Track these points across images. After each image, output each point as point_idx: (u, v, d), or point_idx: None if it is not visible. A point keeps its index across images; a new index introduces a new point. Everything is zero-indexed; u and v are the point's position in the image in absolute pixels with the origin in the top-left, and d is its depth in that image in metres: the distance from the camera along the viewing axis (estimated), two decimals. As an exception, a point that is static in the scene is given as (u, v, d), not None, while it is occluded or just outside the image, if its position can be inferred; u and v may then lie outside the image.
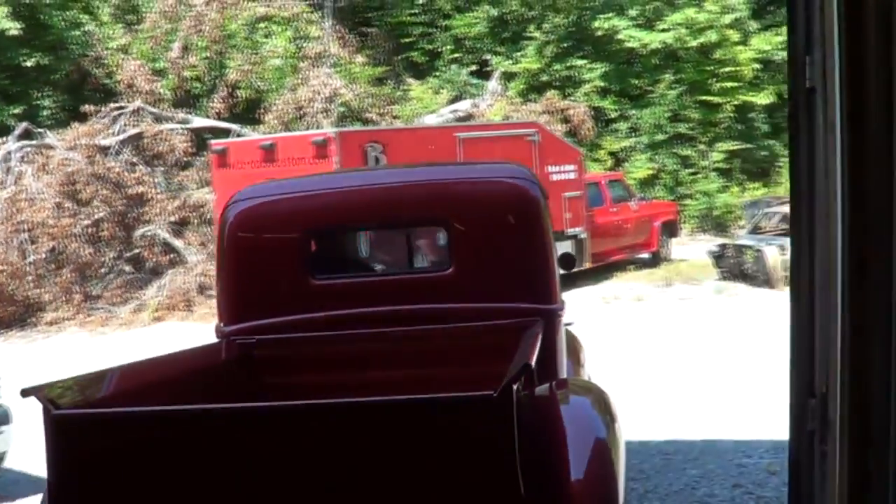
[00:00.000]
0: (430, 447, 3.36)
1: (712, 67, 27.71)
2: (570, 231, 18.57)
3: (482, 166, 6.74)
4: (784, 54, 23.45)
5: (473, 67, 27.33)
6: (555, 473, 3.55)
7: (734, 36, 27.76)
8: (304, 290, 5.12)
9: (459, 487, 3.34)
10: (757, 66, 28.18)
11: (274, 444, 3.35)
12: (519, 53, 27.30)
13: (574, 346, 5.93)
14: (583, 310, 15.74)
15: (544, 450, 3.54)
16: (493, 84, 26.85)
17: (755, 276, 17.47)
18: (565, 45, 27.09)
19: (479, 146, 17.13)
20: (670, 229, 22.06)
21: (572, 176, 18.79)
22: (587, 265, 19.12)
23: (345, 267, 5.73)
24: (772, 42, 28.43)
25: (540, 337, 4.36)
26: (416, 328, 5.01)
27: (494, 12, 27.58)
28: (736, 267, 18.05)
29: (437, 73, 26.88)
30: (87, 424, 3.48)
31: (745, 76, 27.93)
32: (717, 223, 26.78)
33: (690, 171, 26.98)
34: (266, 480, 3.36)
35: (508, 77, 27.14)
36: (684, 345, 12.74)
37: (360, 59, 24.28)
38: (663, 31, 26.86)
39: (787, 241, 17.63)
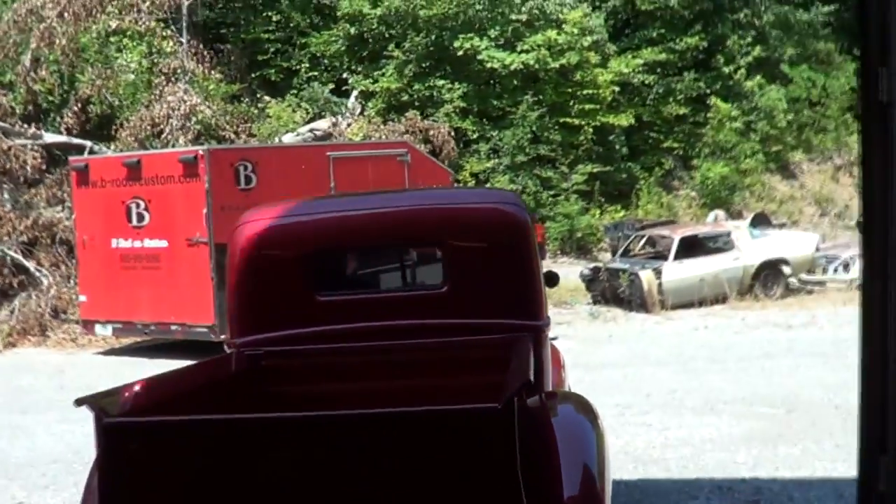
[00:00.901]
0: (435, 456, 3.83)
1: (572, 89, 28.95)
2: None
3: (474, 192, 7.89)
4: (643, 77, 25.09)
5: (331, 86, 27.82)
6: (548, 480, 4.12)
7: (593, 58, 28.99)
8: (309, 306, 5.72)
9: (463, 495, 3.82)
10: (616, 88, 29.44)
11: (293, 451, 3.92)
12: (378, 73, 28.03)
13: (557, 359, 6.61)
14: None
15: (537, 457, 4.03)
16: (353, 103, 27.43)
17: (630, 299, 18.35)
18: (425, 64, 27.98)
19: (350, 166, 17.69)
20: (538, 252, 22.88)
21: (442, 197, 19.42)
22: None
23: (347, 284, 6.39)
24: (630, 64, 29.86)
25: (532, 352, 4.94)
26: (413, 341, 5.60)
27: (353, 30, 28.17)
28: (609, 290, 18.97)
29: (295, 92, 27.28)
30: (133, 431, 4.01)
31: (605, 98, 29.18)
32: (578, 245, 27.84)
33: (551, 192, 28.01)
34: (286, 484, 3.91)
35: (367, 96, 27.76)
36: (585, 371, 13.23)
37: (215, 75, 24.47)
38: (523, 52, 27.89)
39: (661, 265, 18.69)
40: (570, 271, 25.52)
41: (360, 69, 28.40)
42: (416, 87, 27.69)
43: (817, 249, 20.23)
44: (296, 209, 6.28)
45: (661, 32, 31.49)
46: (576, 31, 28.61)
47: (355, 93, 27.78)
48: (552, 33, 28.10)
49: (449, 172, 20.88)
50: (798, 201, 32.43)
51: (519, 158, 27.87)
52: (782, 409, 9.92)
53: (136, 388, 4.60)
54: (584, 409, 4.75)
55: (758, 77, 32.26)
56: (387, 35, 28.30)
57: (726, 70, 32.12)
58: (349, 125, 26.72)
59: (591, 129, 28.96)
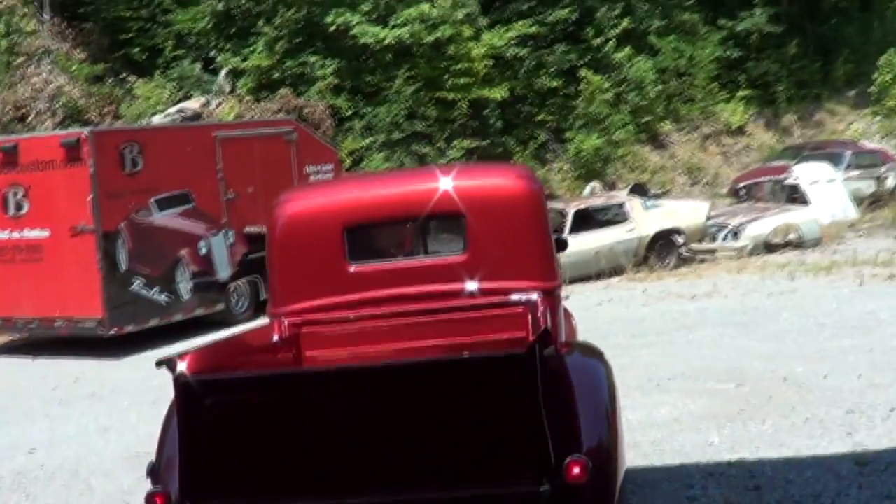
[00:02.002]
0: (470, 399, 4.56)
1: (446, 64, 28.83)
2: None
3: (490, 166, 8.70)
4: (516, 50, 25.21)
5: (199, 65, 27.07)
6: (567, 414, 4.82)
7: (467, 32, 28.88)
8: (342, 276, 6.44)
9: (494, 431, 4.53)
10: (489, 62, 29.38)
11: (348, 399, 4.67)
12: (248, 50, 27.40)
13: (568, 317, 7.32)
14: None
15: (557, 396, 4.72)
16: (222, 82, 26.75)
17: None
18: (297, 40, 27.58)
19: (237, 145, 17.36)
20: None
21: (330, 176, 19.25)
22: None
23: (376, 255, 6.98)
24: (503, 38, 29.83)
25: (546, 308, 5.77)
26: (438, 304, 6.33)
27: (220, 6, 27.47)
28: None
29: (165, 72, 26.47)
30: (206, 387, 4.77)
31: (479, 72, 29.12)
32: (458, 222, 27.76)
33: (429, 169, 27.79)
34: (336, 429, 4.66)
35: (237, 74, 27.13)
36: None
37: (79, 55, 23.55)
38: (397, 26, 27.61)
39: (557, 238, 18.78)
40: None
41: (228, 46, 27.75)
42: (288, 63, 27.27)
43: (707, 218, 20.54)
44: (329, 187, 7.58)
45: (532, 5, 31.65)
46: (448, 4, 28.44)
47: (224, 71, 27.15)
48: (425, 7, 27.89)
49: (335, 151, 20.62)
50: (669, 171, 33.09)
51: (395, 135, 27.68)
52: (731, 384, 10.03)
53: (200, 352, 5.43)
54: (594, 353, 5.54)
55: (627, 49, 32.66)
56: (255, 11, 27.80)
57: (596, 42, 32.47)
58: (220, 104, 26.07)
59: (466, 104, 28.89)
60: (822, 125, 36.18)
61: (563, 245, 7.40)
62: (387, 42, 27.70)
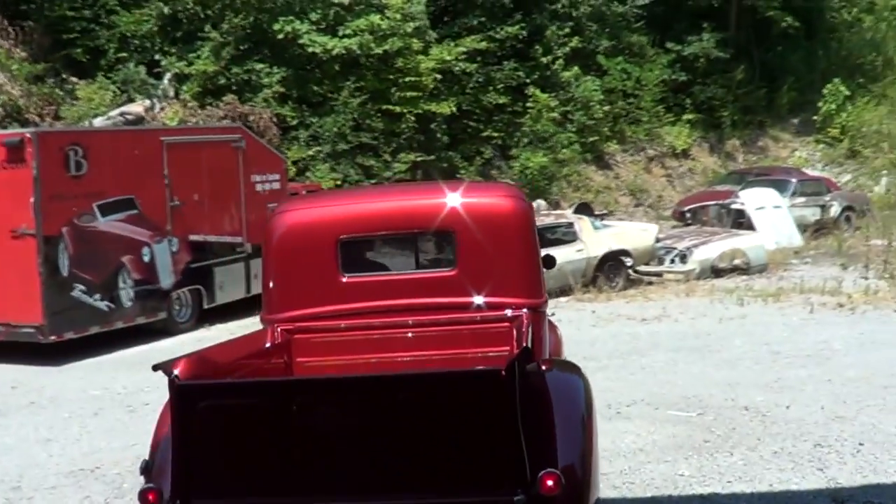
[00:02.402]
0: (450, 412, 4.74)
1: (394, 76, 28.66)
2: (275, 245, 18.47)
3: (480, 185, 9.25)
4: (464, 65, 24.99)
5: (143, 68, 26.58)
6: (545, 427, 4.96)
7: (416, 45, 28.75)
8: (335, 286, 6.66)
9: (472, 443, 4.71)
10: (437, 76, 29.27)
11: (333, 407, 4.90)
12: (193, 54, 27.01)
13: (555, 333, 7.51)
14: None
15: (535, 411, 4.89)
16: (166, 86, 26.32)
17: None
18: (244, 47, 27.28)
19: (184, 151, 17.06)
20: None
21: (277, 186, 18.99)
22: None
23: (369, 267, 7.19)
24: (452, 52, 29.73)
25: (530, 326, 5.88)
26: (426, 317, 6.55)
27: (166, 9, 27.07)
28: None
29: (108, 74, 25.97)
30: (200, 391, 5.03)
31: (426, 86, 28.98)
32: (402, 236, 27.56)
33: (373, 181, 27.58)
34: (321, 436, 4.87)
35: (182, 79, 26.70)
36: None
37: (20, 54, 23.00)
38: (346, 36, 27.40)
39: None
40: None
41: (173, 50, 27.32)
42: (234, 70, 26.95)
43: (657, 241, 20.53)
44: (325, 200, 7.89)
45: (482, 21, 31.64)
46: (398, 16, 28.29)
47: (169, 75, 26.70)
48: (375, 18, 27.71)
49: (283, 159, 20.35)
50: (613, 191, 33.21)
51: (340, 146, 27.43)
52: (692, 412, 9.92)
53: (195, 357, 5.61)
54: (573, 369, 5.69)
55: (575, 68, 32.75)
56: (202, 15, 27.40)
57: (544, 60, 32.53)
58: (163, 109, 25.64)
59: (412, 117, 28.72)
60: (766, 151, 36.60)
61: (550, 263, 7.54)
62: (335, 52, 27.47)
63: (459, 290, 6.57)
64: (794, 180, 27.41)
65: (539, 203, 28.81)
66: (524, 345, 5.33)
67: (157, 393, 12.07)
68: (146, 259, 16.44)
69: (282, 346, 6.64)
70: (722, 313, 16.19)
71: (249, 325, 17.83)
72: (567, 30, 33.17)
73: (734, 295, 17.81)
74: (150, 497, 4.97)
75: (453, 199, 6.75)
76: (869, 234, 25.20)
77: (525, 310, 6.45)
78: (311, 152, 27.05)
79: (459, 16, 31.94)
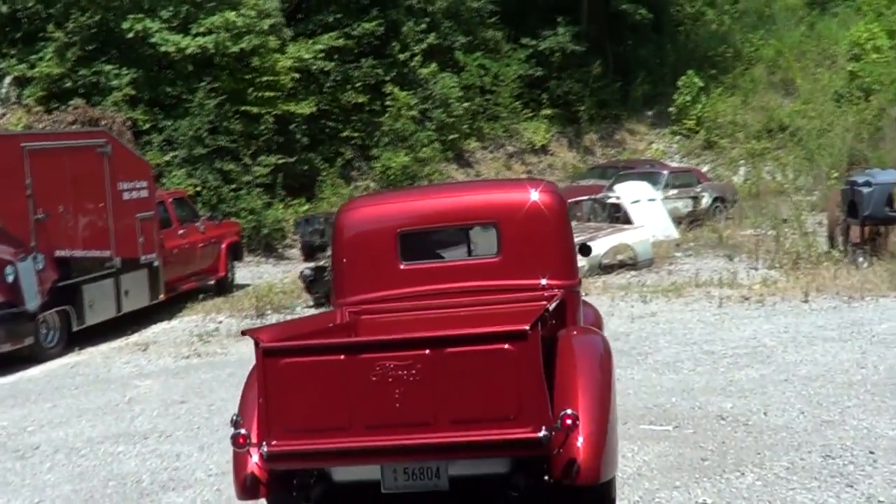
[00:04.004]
0: (486, 364, 5.66)
1: (250, 76, 27.44)
2: (145, 258, 17.17)
3: (520, 181, 10.06)
4: (322, 63, 23.99)
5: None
6: (569, 383, 5.98)
7: (272, 43, 27.54)
8: (396, 273, 7.48)
9: (504, 391, 5.63)
10: (295, 75, 28.10)
11: (391, 362, 5.75)
12: (36, 56, 25.15)
13: (593, 311, 8.55)
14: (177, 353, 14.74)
15: (562, 367, 6.06)
16: (7, 90, 24.43)
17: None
18: (90, 47, 25.67)
19: (47, 157, 15.49)
20: (235, 252, 21.24)
21: (144, 193, 17.64)
22: (162, 297, 17.78)
23: (424, 255, 7.89)
24: (310, 50, 28.59)
25: (559, 299, 6.89)
26: (473, 298, 7.35)
27: (4, 8, 25.21)
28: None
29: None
30: (281, 351, 5.93)
31: (284, 86, 27.80)
32: (266, 243, 26.31)
33: (233, 186, 26.24)
34: (384, 385, 5.73)
35: (24, 82, 24.85)
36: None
37: None
38: (199, 35, 25.99)
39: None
40: (261, 272, 24.07)
41: (13, 52, 25.40)
42: (81, 72, 25.30)
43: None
44: (386, 197, 10.06)
45: (338, 17, 30.57)
46: (253, 13, 27.01)
47: (9, 78, 24.83)
48: (230, 14, 26.34)
49: (150, 165, 18.90)
50: (476, 190, 32.42)
51: (197, 150, 26.04)
52: (668, 426, 9.17)
53: (276, 328, 7.10)
54: (595, 334, 6.98)
55: (433, 65, 32.00)
56: (44, 14, 25.53)
57: (402, 57, 31.71)
58: (5, 115, 23.78)
59: (271, 119, 27.51)
60: (623, 144, 36.59)
61: (586, 250, 8.32)
62: (188, 51, 26.07)
63: (503, 273, 7.35)
64: (665, 172, 27.17)
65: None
66: (547, 309, 6.26)
67: (46, 432, 10.81)
68: (10, 279, 14.83)
69: (349, 325, 7.38)
70: (629, 311, 15.58)
71: (123, 346, 16.54)
72: (423, 26, 32.42)
73: (630, 292, 17.25)
74: (240, 440, 5.99)
75: (497, 196, 7.82)
76: (741, 223, 25.18)
77: (559, 290, 7.19)
78: (166, 158, 25.51)
79: (314, 13, 30.84)
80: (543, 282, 7.30)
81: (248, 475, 6.13)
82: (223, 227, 21.16)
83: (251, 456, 6.08)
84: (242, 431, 5.99)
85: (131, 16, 25.67)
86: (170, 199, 19.54)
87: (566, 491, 5.78)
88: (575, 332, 6.73)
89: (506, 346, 5.63)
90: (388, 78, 31.27)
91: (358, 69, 30.80)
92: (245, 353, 15.07)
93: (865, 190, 18.47)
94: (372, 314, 7.47)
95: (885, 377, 10.38)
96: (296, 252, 27.10)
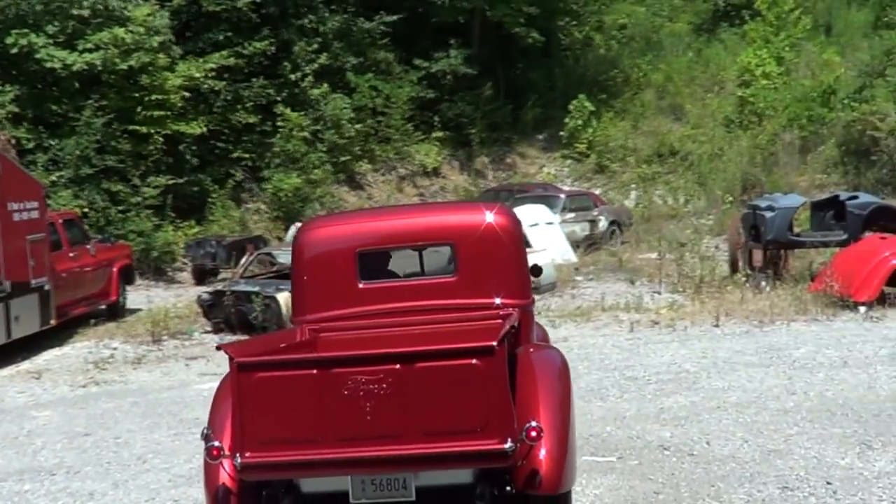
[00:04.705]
0: (454, 378, 5.81)
1: (139, 94, 26.65)
2: (35, 282, 16.40)
3: (474, 204, 10.24)
4: (213, 83, 23.50)
5: None
6: (531, 396, 6.18)
7: (162, 61, 26.84)
8: (354, 291, 7.58)
9: (471, 403, 5.77)
10: (185, 94, 27.41)
11: (360, 377, 5.89)
12: None
13: (545, 333, 8.83)
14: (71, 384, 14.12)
15: (523, 381, 6.25)
16: None
17: (264, 325, 16.66)
18: (-29, 62, 24.29)
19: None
20: (127, 275, 20.50)
21: (35, 215, 16.92)
22: (53, 322, 17.03)
23: (382, 274, 8.11)
24: (201, 69, 27.94)
25: (517, 318, 6.92)
26: (430, 316, 7.42)
27: None
28: (237, 316, 17.02)
29: None
30: (256, 366, 6.09)
31: (174, 105, 27.08)
32: (156, 267, 25.54)
33: (121, 208, 25.44)
34: (353, 398, 5.86)
35: None
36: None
37: None
38: (87, 51, 25.13)
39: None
40: (151, 296, 23.29)
41: None
42: (-40, 88, 24.03)
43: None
44: (345, 217, 9.93)
45: (228, 35, 29.92)
46: (142, 30, 26.24)
47: None
48: (119, 31, 25.52)
49: (41, 185, 18.14)
50: (368, 212, 32.02)
51: (84, 171, 25.16)
52: (611, 456, 8.92)
53: (242, 344, 7.54)
54: (552, 349, 7.28)
55: (324, 85, 31.56)
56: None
57: (293, 77, 31.21)
58: None
59: (160, 138, 26.75)
60: (515, 168, 36.55)
61: (537, 271, 8.29)
62: (75, 68, 25.16)
63: (459, 293, 7.43)
64: (562, 196, 27.17)
65: (299, 226, 27.33)
66: (512, 325, 6.47)
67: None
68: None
69: (309, 342, 7.42)
70: (541, 337, 15.35)
71: (15, 374, 15.69)
72: (315, 45, 31.90)
73: (541, 315, 17.06)
74: (214, 452, 6.04)
75: (452, 218, 7.91)
76: (637, 247, 25.30)
77: (514, 308, 7.21)
78: (52, 178, 24.54)
79: (204, 31, 30.10)
80: (497, 301, 7.39)
81: (220, 487, 6.29)
82: (114, 250, 20.38)
83: (223, 468, 6.22)
84: (216, 444, 6.11)
85: (15, 30, 24.70)
86: (60, 221, 18.72)
87: (528, 500, 6.06)
88: (533, 349, 7.01)
89: (473, 361, 5.81)
90: (279, 98, 30.70)
91: (249, 89, 30.18)
92: (146, 382, 14.54)
93: (768, 214, 18.68)
94: (331, 331, 7.58)
95: (818, 404, 10.36)
96: (186, 276, 26.37)
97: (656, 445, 9.11)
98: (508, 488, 6.02)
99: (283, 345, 7.29)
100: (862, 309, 15.87)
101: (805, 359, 12.63)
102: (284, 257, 20.60)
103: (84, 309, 18.75)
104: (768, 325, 15.25)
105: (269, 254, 20.87)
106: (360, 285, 7.57)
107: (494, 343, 5.76)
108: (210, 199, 28.73)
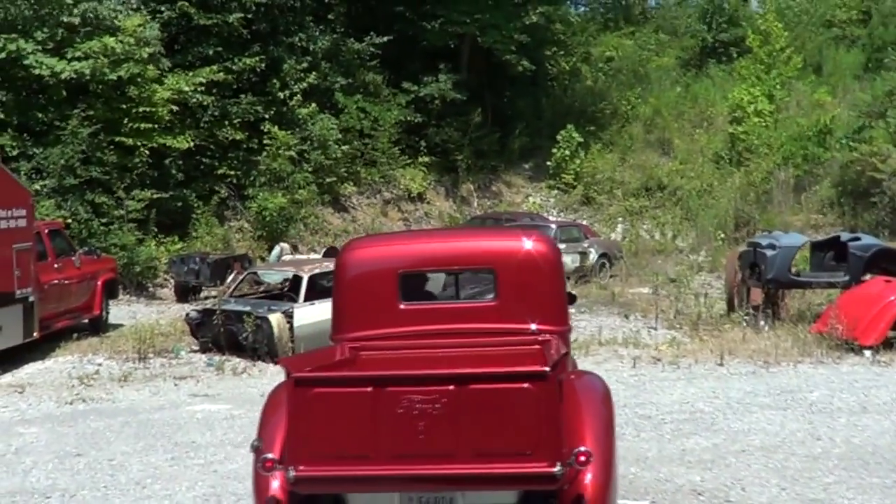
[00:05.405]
0: (506, 401, 5.90)
1: (126, 105, 26.11)
2: (20, 293, 15.88)
3: (517, 230, 10.02)
4: (201, 97, 23.08)
5: None
6: (577, 421, 6.26)
7: (151, 72, 26.36)
8: (395, 312, 7.71)
9: (521, 426, 5.84)
10: (173, 107, 26.92)
11: (422, 399, 5.98)
12: None
13: (574, 361, 8.76)
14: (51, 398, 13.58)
15: (569, 407, 6.20)
16: None
17: (255, 347, 16.18)
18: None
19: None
20: (111, 289, 19.97)
21: (23, 223, 16.44)
22: (36, 335, 16.53)
23: (423, 296, 8.47)
24: (190, 82, 27.47)
25: (559, 343, 7.14)
26: (469, 339, 7.61)
27: None
28: (226, 336, 16.51)
29: None
30: (313, 382, 6.21)
31: (161, 118, 26.55)
32: (138, 282, 24.96)
33: (104, 220, 24.87)
34: (407, 416, 5.96)
35: None
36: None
37: None
38: (76, 59, 24.60)
39: (291, 307, 16.54)
40: (132, 311, 22.71)
41: None
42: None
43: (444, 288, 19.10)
44: (386, 239, 10.08)
45: (218, 50, 29.46)
46: (132, 40, 25.73)
47: None
48: (110, 40, 25.01)
49: (28, 192, 17.63)
50: (351, 235, 31.56)
51: (68, 181, 24.56)
52: (645, 500, 8.53)
53: (301, 359, 7.75)
54: (596, 377, 7.23)
55: (312, 105, 31.16)
56: None
57: (281, 95, 30.78)
58: None
59: (146, 151, 26.18)
60: (500, 196, 36.23)
61: (572, 299, 8.49)
62: (64, 76, 24.59)
63: (499, 317, 7.61)
64: (553, 226, 26.75)
65: (284, 247, 26.84)
66: (563, 352, 6.71)
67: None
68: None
69: (350, 360, 7.50)
70: (542, 370, 14.95)
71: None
72: (304, 64, 31.48)
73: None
74: (268, 464, 6.20)
75: (494, 245, 8.13)
76: (627, 281, 24.98)
77: (551, 335, 7.42)
78: (35, 187, 23.89)
79: (193, 44, 29.60)
80: (533, 327, 7.54)
81: (270, 498, 6.40)
82: (99, 263, 19.82)
83: (273, 479, 6.35)
84: (270, 455, 6.24)
85: (3, 35, 24.11)
86: (46, 231, 18.16)
87: None
88: (575, 375, 7.20)
89: (526, 385, 5.89)
90: (266, 116, 30.22)
91: (237, 105, 29.69)
92: (135, 401, 14.00)
93: (769, 253, 18.37)
94: (371, 350, 7.69)
95: (847, 451, 10.00)
96: (168, 292, 25.81)
97: (688, 490, 8.73)
98: None
99: (334, 361, 7.38)
100: (867, 353, 15.56)
101: (821, 402, 12.28)
102: (270, 277, 20.18)
103: (67, 322, 18.18)
104: (774, 366, 14.90)
105: (254, 273, 20.36)
106: (402, 306, 7.71)
107: (548, 368, 5.91)
108: (194, 216, 28.17)
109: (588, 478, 6.06)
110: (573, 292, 8.64)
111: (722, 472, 9.29)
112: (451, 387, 5.97)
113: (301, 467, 6.02)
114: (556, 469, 5.74)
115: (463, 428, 5.91)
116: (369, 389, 6.06)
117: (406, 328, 7.67)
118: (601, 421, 6.52)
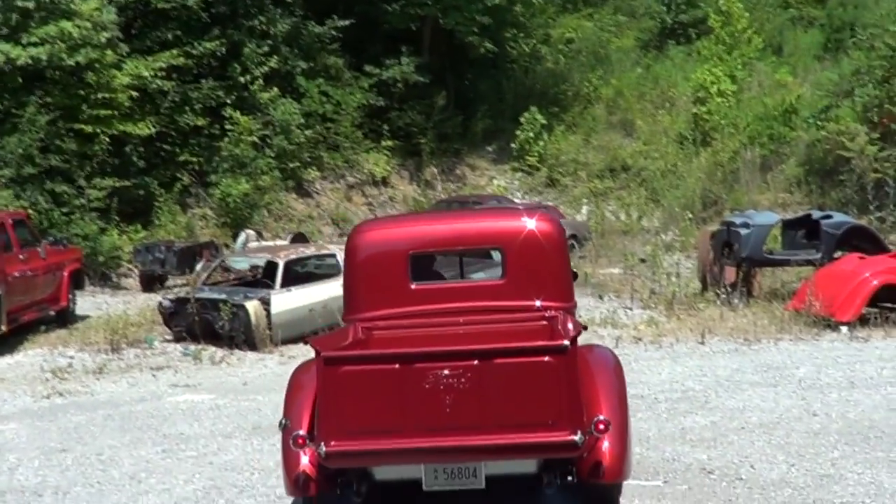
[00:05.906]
0: (527, 374, 6.27)
1: (85, 92, 25.72)
2: (-11, 286, 15.60)
3: (523, 210, 9.92)
4: (161, 83, 22.75)
5: None
6: (592, 391, 6.69)
7: (110, 58, 25.95)
8: (406, 292, 7.96)
9: (543, 398, 6.23)
10: (133, 93, 26.55)
11: (448, 374, 6.31)
12: None
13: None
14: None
15: (584, 378, 6.58)
16: None
17: (232, 335, 15.99)
18: None
19: None
20: (77, 280, 19.67)
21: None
22: (4, 329, 16.24)
23: (433, 276, 8.75)
24: (150, 68, 27.11)
25: (566, 319, 7.40)
26: (477, 317, 7.88)
27: None
28: (201, 325, 16.29)
29: None
30: (342, 361, 6.53)
31: (121, 104, 26.21)
32: (101, 272, 24.60)
33: (65, 210, 24.50)
34: (433, 392, 6.30)
35: None
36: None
37: None
38: (32, 45, 24.20)
39: (268, 294, 16.34)
40: (98, 302, 22.34)
41: None
42: None
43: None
44: (395, 221, 10.34)
45: (178, 34, 29.11)
46: (89, 25, 25.32)
47: None
48: (67, 24, 24.58)
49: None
50: (316, 220, 31.49)
51: (27, 170, 24.16)
52: (654, 480, 8.46)
53: (326, 339, 7.72)
54: (607, 349, 7.81)
55: (274, 89, 30.86)
56: None
57: (242, 80, 30.49)
58: None
59: (106, 139, 25.82)
60: (464, 179, 36.10)
61: (574, 276, 8.63)
62: (20, 62, 24.16)
63: (505, 295, 7.91)
64: (521, 208, 26.62)
65: (249, 234, 26.54)
66: (578, 327, 6.95)
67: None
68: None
69: (364, 339, 7.67)
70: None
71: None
72: (265, 48, 31.15)
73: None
74: (300, 441, 6.48)
75: (501, 223, 8.37)
76: (596, 262, 24.95)
77: (557, 311, 7.73)
78: (-6, 176, 23.57)
79: (152, 28, 29.23)
80: (538, 303, 7.84)
81: (301, 474, 6.70)
82: (64, 254, 19.50)
83: (304, 455, 6.66)
84: (301, 432, 6.55)
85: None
86: (10, 221, 17.79)
87: (586, 489, 6.64)
88: (587, 348, 7.39)
89: (547, 358, 6.24)
90: (228, 101, 29.91)
91: (197, 90, 29.36)
92: (114, 393, 13.75)
93: (744, 231, 18.40)
94: (384, 329, 7.90)
95: (845, 426, 10.00)
96: (132, 282, 25.47)
97: (698, 468, 8.68)
98: (570, 478, 6.47)
99: (354, 339, 7.61)
100: (844, 329, 15.64)
101: (809, 379, 12.29)
102: (238, 264, 19.95)
103: (34, 315, 17.86)
104: (755, 344, 14.93)
105: (222, 261, 20.11)
106: (412, 286, 7.99)
107: (567, 342, 6.25)
108: (157, 203, 27.85)
109: (605, 446, 6.44)
110: (575, 270, 8.78)
111: (727, 449, 9.26)
112: (476, 362, 6.26)
113: (333, 443, 6.27)
114: (577, 437, 6.10)
115: (487, 400, 6.20)
116: (396, 366, 6.33)
117: (416, 307, 7.91)
118: (615, 391, 6.87)
